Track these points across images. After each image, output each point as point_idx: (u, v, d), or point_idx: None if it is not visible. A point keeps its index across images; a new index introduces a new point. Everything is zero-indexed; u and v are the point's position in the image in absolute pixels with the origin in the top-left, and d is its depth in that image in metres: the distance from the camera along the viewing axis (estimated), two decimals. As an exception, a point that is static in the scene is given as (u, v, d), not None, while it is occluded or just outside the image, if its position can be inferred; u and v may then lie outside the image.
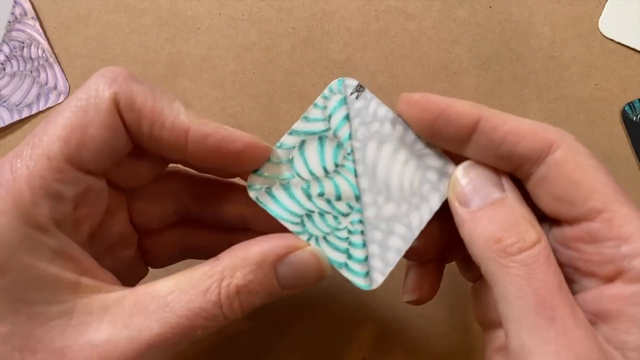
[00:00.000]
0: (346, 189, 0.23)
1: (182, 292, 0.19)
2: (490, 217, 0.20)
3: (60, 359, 0.18)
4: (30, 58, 0.33)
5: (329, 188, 0.23)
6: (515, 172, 0.21)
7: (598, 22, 0.34)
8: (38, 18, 0.34)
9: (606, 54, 0.34)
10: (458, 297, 0.31)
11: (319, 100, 0.23)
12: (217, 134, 0.21)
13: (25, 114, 0.33)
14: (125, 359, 0.18)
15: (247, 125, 0.33)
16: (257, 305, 0.21)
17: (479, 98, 0.34)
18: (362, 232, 0.23)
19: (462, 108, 0.20)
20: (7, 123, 0.33)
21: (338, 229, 0.23)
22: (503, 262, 0.19)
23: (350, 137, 0.23)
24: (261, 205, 0.22)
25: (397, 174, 0.23)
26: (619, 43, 0.34)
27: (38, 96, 0.33)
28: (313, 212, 0.22)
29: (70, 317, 0.18)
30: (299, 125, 0.23)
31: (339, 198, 0.23)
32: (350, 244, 0.22)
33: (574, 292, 0.20)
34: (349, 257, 0.22)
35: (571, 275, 0.20)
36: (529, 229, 0.19)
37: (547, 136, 0.20)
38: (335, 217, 0.23)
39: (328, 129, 0.23)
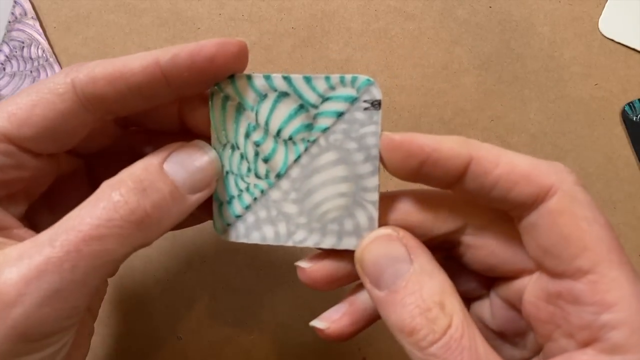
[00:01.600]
0: (277, 161, 0.22)
1: (74, 215, 0.19)
2: (400, 302, 0.19)
3: None
4: (30, 58, 0.33)
5: (266, 146, 0.22)
6: (509, 212, 0.20)
7: (598, 22, 0.34)
8: (38, 18, 0.34)
9: (606, 54, 0.34)
10: (458, 297, 0.31)
11: (334, 79, 0.20)
12: (184, 49, 0.20)
13: None
14: (18, 287, 0.17)
15: (247, 125, 0.33)
16: (170, 212, 0.20)
17: (479, 98, 0.34)
18: (254, 199, 0.22)
19: (450, 150, 0.19)
20: (7, 123, 0.33)
21: (242, 179, 0.22)
22: (419, 355, 0.18)
23: (324, 131, 0.21)
24: (209, 103, 0.22)
25: (324, 195, 0.21)
26: (619, 43, 0.34)
27: None
28: (238, 148, 0.22)
29: None
30: (296, 80, 0.21)
31: (266, 160, 0.22)
32: (239, 196, 0.22)
33: (551, 354, 0.19)
34: (229, 202, 0.22)
35: (551, 333, 0.19)
36: (437, 314, 0.18)
37: (543, 181, 0.18)
38: (249, 170, 0.22)
39: (314, 107, 0.21)
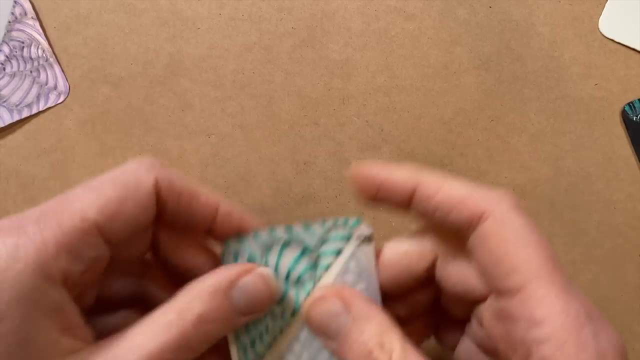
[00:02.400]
0: (290, 301, 0.24)
1: (148, 331, 0.20)
2: (349, 349, 0.21)
3: None
4: (30, 58, 0.33)
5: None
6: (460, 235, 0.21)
7: (598, 22, 0.34)
8: (38, 18, 0.34)
9: (606, 54, 0.34)
10: (458, 297, 0.31)
11: (329, 222, 0.23)
12: (237, 212, 0.23)
13: (25, 113, 0.33)
14: None
15: (247, 125, 0.33)
16: (220, 334, 0.22)
17: (479, 98, 0.34)
18: (274, 338, 0.24)
19: (399, 178, 0.21)
20: (7, 123, 0.33)
21: (260, 322, 0.24)
22: None
23: (326, 268, 0.23)
24: (222, 259, 0.24)
25: None
26: (619, 43, 0.34)
27: (38, 96, 0.33)
28: None
29: None
30: (297, 229, 0.23)
31: (280, 301, 0.24)
32: (260, 337, 0.24)
33: None
34: (252, 345, 0.24)
35: (505, 351, 0.20)
36: (378, 354, 0.20)
37: (476, 207, 0.20)
38: (265, 314, 0.24)
39: (315, 249, 0.23)
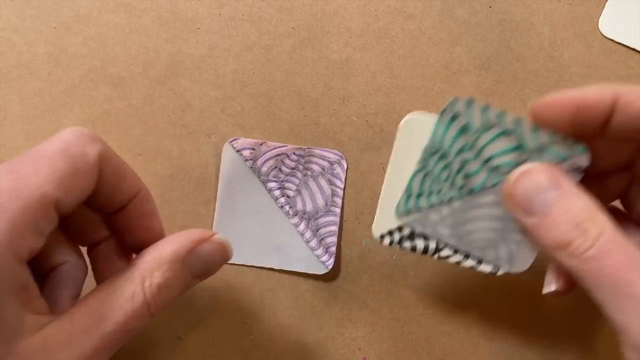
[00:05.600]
0: (476, 180, 0.24)
1: (112, 301, 0.21)
2: (552, 223, 0.21)
3: None
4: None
5: (472, 166, 0.24)
6: None
7: (598, 22, 0.34)
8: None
9: (606, 54, 0.34)
10: (458, 297, 0.31)
11: (558, 137, 0.23)
12: (150, 204, 0.25)
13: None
14: None
15: (247, 125, 0.33)
16: (176, 297, 0.23)
17: (479, 98, 0.33)
18: (440, 202, 0.25)
19: (596, 95, 0.21)
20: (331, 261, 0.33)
21: (437, 182, 0.25)
22: (576, 263, 0.20)
23: None
24: (440, 112, 0.24)
25: (477, 227, 0.25)
26: (619, 43, 0.34)
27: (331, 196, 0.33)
28: (447, 158, 0.25)
29: (17, 355, 0.19)
30: (525, 126, 0.24)
31: (466, 177, 0.25)
32: (428, 195, 0.25)
33: None
34: (418, 197, 0.25)
35: None
36: (589, 226, 0.20)
37: None
38: (447, 178, 0.25)
39: (530, 151, 0.24)
